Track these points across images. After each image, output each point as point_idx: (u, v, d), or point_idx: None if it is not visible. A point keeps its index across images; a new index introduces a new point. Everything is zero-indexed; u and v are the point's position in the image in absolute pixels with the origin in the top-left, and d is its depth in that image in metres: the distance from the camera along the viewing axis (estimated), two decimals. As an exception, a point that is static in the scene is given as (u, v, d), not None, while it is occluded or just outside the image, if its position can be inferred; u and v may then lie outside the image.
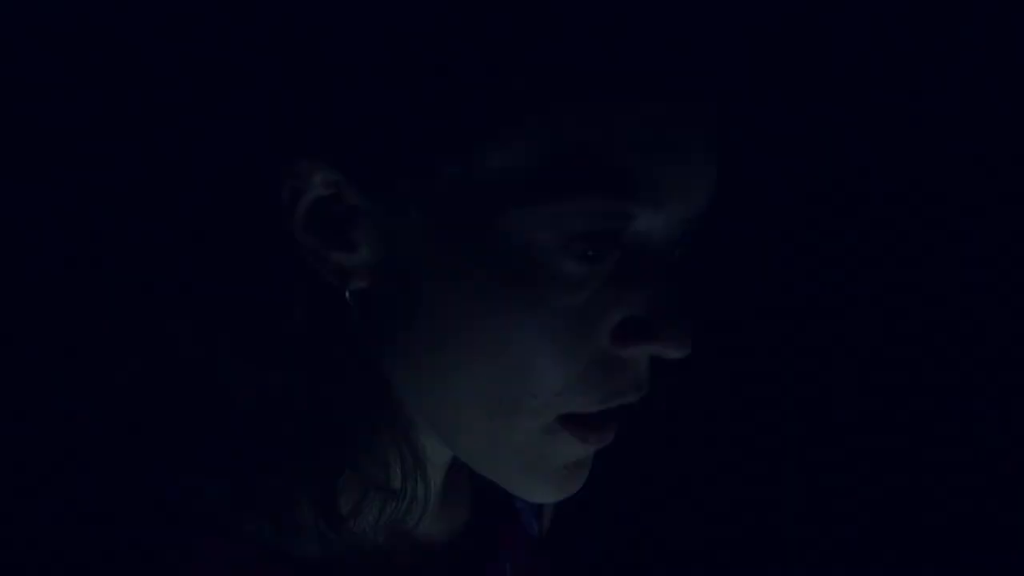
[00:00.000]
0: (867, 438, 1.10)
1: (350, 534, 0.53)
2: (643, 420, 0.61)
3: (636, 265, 0.49)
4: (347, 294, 0.50)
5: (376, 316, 0.51)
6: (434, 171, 0.47)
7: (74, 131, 0.55)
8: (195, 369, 0.50)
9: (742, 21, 0.52)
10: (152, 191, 0.51)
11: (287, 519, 0.51)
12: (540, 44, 0.46)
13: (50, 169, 0.55)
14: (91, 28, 0.54)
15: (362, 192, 0.48)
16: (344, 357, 0.51)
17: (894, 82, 1.07)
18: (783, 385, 1.12)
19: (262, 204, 0.49)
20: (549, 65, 0.46)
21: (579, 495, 0.56)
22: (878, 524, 1.09)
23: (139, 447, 0.52)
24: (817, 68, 1.07)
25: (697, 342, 0.51)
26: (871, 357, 1.11)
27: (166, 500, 0.50)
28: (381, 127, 0.47)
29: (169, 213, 0.51)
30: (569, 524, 0.77)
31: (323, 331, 0.50)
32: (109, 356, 0.52)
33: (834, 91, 1.08)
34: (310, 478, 0.51)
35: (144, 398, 0.52)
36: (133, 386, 0.51)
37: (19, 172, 0.57)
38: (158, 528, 0.50)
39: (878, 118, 1.08)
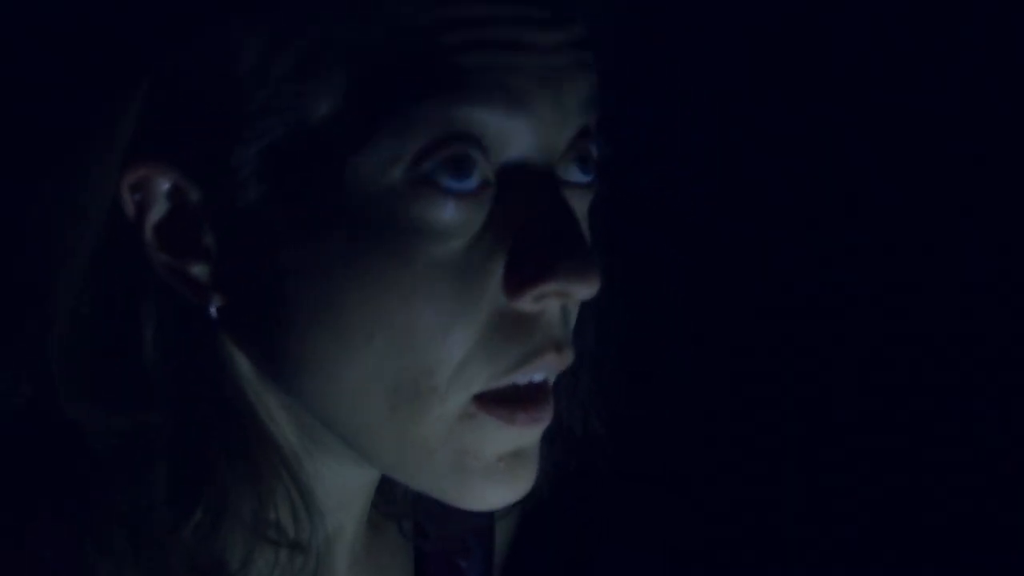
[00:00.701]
0: (867, 438, 1.10)
1: None
2: (640, 419, 0.60)
3: (517, 200, 0.43)
4: (212, 312, 0.44)
5: (245, 330, 0.45)
6: (264, 135, 0.42)
7: (74, 131, 0.54)
8: (41, 411, 0.44)
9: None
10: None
11: None
12: None
13: (50, 169, 0.54)
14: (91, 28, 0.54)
15: (202, 186, 0.43)
16: (210, 388, 0.45)
17: (894, 82, 1.07)
18: (783, 385, 1.12)
19: (103, 223, 0.43)
20: None
21: (540, 533, 0.49)
22: (878, 524, 1.09)
23: None
24: (817, 68, 1.07)
25: (607, 281, 0.44)
26: (871, 357, 1.11)
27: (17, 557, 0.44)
28: (197, 104, 0.43)
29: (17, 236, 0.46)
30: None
31: (182, 361, 0.44)
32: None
33: (834, 91, 1.08)
34: (181, 533, 0.44)
35: None
36: None
37: (19, 172, 0.57)
38: None
39: (878, 118, 1.08)
